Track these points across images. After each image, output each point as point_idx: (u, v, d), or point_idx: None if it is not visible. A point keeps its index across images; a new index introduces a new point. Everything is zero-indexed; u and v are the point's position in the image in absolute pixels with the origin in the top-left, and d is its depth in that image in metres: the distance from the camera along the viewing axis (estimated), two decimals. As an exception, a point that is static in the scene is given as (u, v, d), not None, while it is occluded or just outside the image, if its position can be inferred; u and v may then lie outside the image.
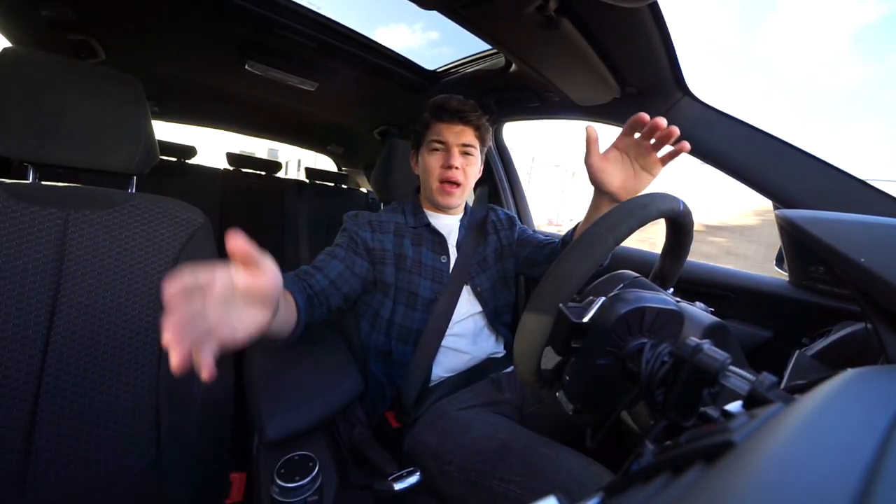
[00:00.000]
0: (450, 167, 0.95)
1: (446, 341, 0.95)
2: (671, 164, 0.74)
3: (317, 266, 0.87)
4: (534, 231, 1.16)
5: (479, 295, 1.01)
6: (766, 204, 0.86)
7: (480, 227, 1.07)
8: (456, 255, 1.02)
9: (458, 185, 0.97)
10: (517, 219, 1.17)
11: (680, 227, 0.59)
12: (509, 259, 1.09)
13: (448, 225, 1.05)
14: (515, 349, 0.48)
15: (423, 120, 1.00)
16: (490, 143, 1.05)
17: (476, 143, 0.99)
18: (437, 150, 0.97)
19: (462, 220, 1.09)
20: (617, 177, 0.74)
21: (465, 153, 0.98)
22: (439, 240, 1.01)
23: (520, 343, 0.47)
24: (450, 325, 0.95)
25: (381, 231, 0.97)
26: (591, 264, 0.46)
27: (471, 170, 1.00)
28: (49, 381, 0.67)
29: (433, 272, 0.98)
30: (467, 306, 1.00)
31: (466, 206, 1.13)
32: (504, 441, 0.72)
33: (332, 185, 2.58)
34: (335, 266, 0.88)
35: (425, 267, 0.97)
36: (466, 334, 0.98)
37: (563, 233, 1.03)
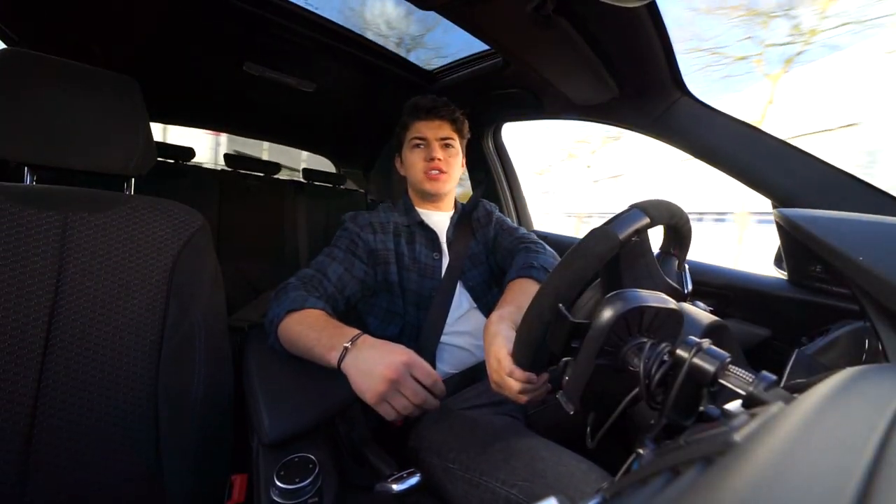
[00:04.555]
0: (432, 159, 1.01)
1: (448, 339, 0.96)
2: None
3: (319, 270, 0.90)
4: (511, 233, 1.12)
5: (471, 290, 1.03)
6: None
7: (467, 223, 1.10)
8: (446, 250, 1.05)
9: (442, 171, 1.02)
10: (496, 215, 1.17)
11: (678, 230, 0.60)
12: (494, 255, 1.12)
13: (438, 222, 1.08)
14: (515, 345, 0.48)
15: (402, 123, 1.07)
16: (468, 135, 1.11)
17: (454, 135, 1.05)
18: (418, 146, 1.03)
19: (453, 218, 1.11)
20: None
21: (446, 145, 1.04)
22: (431, 237, 1.05)
23: (520, 340, 0.47)
24: (450, 323, 0.97)
25: (382, 232, 1.00)
26: (595, 262, 0.46)
27: (454, 160, 1.05)
28: (48, 383, 0.67)
29: (426, 269, 1.01)
30: (462, 302, 1.01)
31: (458, 203, 1.16)
32: (508, 443, 0.72)
33: (331, 185, 2.58)
34: (335, 269, 0.91)
35: (420, 264, 1.01)
36: (467, 331, 0.99)
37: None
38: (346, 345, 0.68)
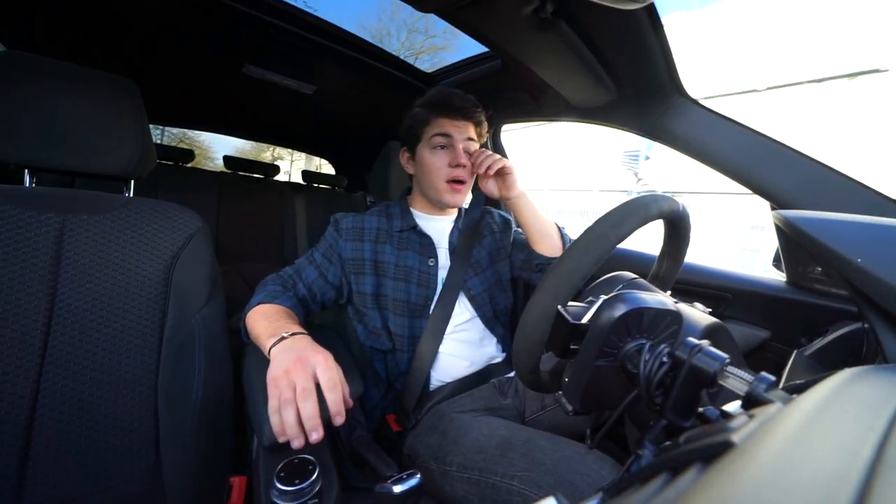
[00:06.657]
0: (458, 165, 0.91)
1: (445, 348, 0.92)
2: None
3: (297, 271, 0.92)
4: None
5: (472, 298, 0.98)
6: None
7: (475, 229, 1.03)
8: (446, 257, 0.98)
9: (465, 182, 0.94)
10: (512, 220, 1.11)
11: (678, 228, 0.60)
12: (503, 262, 1.05)
13: (438, 228, 1.01)
14: (515, 347, 0.48)
15: (419, 115, 0.95)
16: (485, 137, 1.02)
17: (476, 139, 0.97)
18: (442, 147, 0.93)
19: (456, 222, 1.04)
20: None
21: (468, 150, 0.95)
22: (426, 242, 0.97)
23: (520, 342, 0.47)
24: (448, 332, 0.93)
25: (360, 240, 0.94)
26: (593, 261, 0.46)
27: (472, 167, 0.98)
28: (47, 385, 0.67)
29: (419, 276, 0.94)
30: (462, 311, 0.96)
31: (460, 207, 1.09)
32: (504, 437, 0.72)
33: (330, 187, 2.58)
34: (310, 274, 0.92)
35: (410, 271, 0.94)
36: (465, 340, 0.96)
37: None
38: (284, 334, 0.67)
